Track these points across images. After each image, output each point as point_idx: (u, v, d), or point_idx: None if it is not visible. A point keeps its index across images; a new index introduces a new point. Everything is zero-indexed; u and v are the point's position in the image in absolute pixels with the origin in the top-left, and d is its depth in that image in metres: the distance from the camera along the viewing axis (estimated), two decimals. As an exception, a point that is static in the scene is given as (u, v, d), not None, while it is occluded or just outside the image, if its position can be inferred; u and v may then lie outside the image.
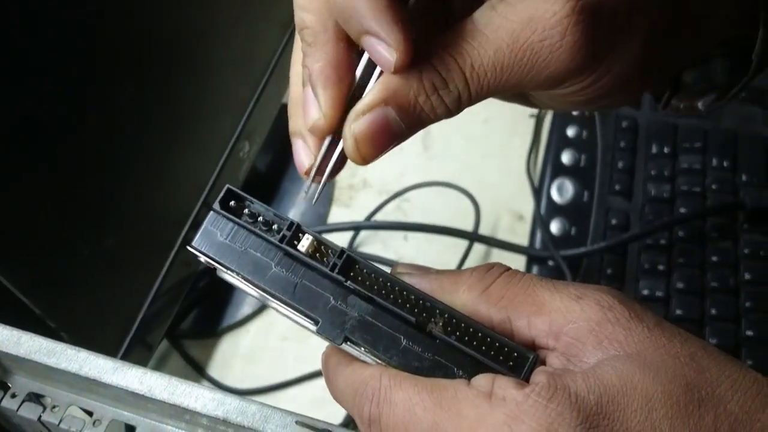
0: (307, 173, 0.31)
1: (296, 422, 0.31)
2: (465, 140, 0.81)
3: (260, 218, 0.30)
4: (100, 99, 0.52)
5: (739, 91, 0.37)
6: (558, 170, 0.75)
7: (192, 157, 0.63)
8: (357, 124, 0.29)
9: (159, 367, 0.69)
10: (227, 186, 0.30)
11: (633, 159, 0.74)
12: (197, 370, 0.69)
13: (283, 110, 0.79)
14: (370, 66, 0.30)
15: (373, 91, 0.29)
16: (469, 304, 0.29)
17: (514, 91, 0.30)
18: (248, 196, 0.31)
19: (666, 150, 0.74)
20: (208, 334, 0.71)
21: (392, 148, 0.30)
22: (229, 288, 0.73)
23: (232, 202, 0.31)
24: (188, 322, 0.72)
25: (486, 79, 0.29)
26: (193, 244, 0.31)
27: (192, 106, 0.62)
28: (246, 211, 0.30)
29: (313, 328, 0.30)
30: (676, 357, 0.26)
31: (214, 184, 0.63)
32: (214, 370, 0.69)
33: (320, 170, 0.31)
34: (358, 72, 0.30)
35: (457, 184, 0.76)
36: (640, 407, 0.25)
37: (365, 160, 0.30)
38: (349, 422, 0.62)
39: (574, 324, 0.27)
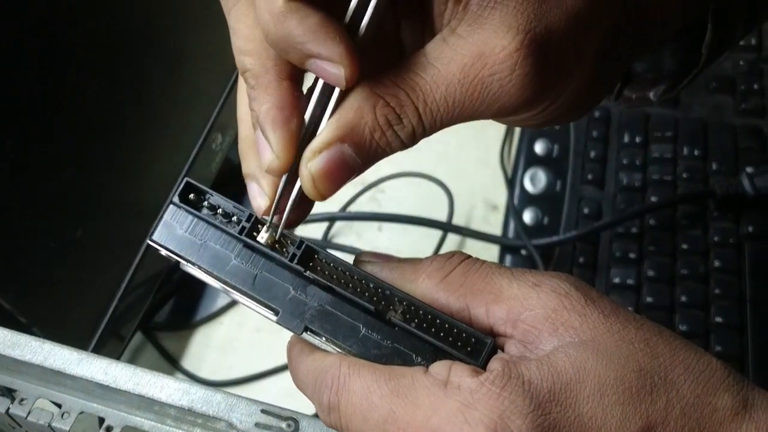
0: (266, 214, 0.31)
1: (261, 411, 0.31)
2: (439, 132, 0.81)
3: (220, 210, 0.30)
4: (70, 90, 0.52)
5: (689, 83, 0.37)
6: (531, 160, 0.75)
7: (164, 149, 0.63)
8: (313, 162, 0.29)
9: (133, 360, 0.69)
10: (186, 179, 0.30)
11: (605, 148, 0.75)
12: (171, 363, 0.68)
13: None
14: (321, 102, 0.29)
15: (327, 128, 0.29)
16: (428, 292, 0.30)
17: (468, 121, 0.31)
18: (207, 189, 0.31)
19: (638, 139, 0.75)
20: (182, 326, 0.71)
21: (349, 181, 0.30)
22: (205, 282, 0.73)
23: (191, 195, 0.31)
24: (162, 314, 0.72)
25: (438, 113, 0.29)
26: (153, 237, 0.31)
27: (163, 98, 0.62)
28: (206, 203, 0.30)
29: (274, 318, 0.30)
30: (631, 343, 0.27)
31: (186, 176, 0.63)
32: (188, 362, 0.69)
33: (279, 210, 0.31)
34: (310, 108, 0.30)
35: (431, 175, 0.76)
36: (592, 393, 0.26)
37: (323, 196, 0.30)
38: (323, 412, 0.62)
39: (530, 311, 0.28)
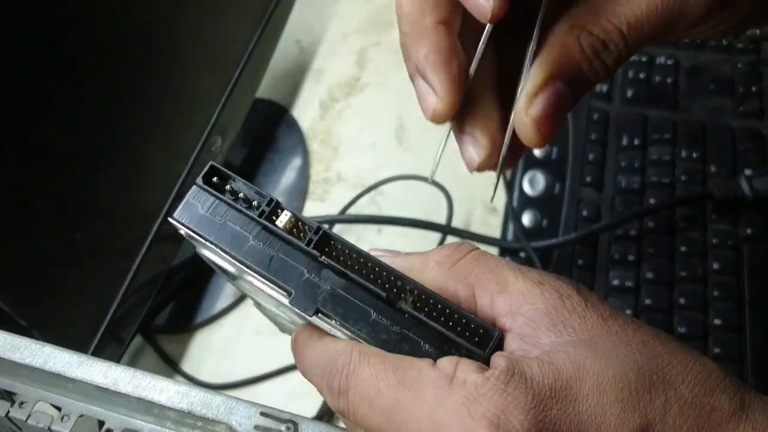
0: (481, 169, 0.33)
1: (261, 413, 0.31)
2: (439, 134, 0.81)
3: (242, 195, 0.31)
4: (69, 92, 0.52)
5: None
6: (530, 163, 0.75)
7: (163, 152, 0.63)
8: (533, 107, 0.30)
9: (133, 363, 0.69)
10: (211, 162, 0.31)
11: (604, 151, 0.75)
12: (171, 366, 0.69)
13: (257, 104, 0.79)
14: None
15: (536, 70, 0.30)
16: (436, 279, 0.30)
17: (662, 38, 0.32)
18: (231, 174, 0.31)
19: (636, 142, 0.75)
20: (182, 329, 0.71)
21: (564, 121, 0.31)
22: (204, 283, 0.73)
23: (215, 178, 0.31)
24: (162, 317, 0.72)
25: (642, 31, 0.30)
26: (174, 215, 0.31)
27: (163, 101, 0.62)
28: (228, 187, 0.31)
29: (286, 300, 0.30)
30: (629, 343, 0.27)
31: (186, 179, 0.63)
32: (188, 365, 0.69)
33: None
34: (476, 58, 0.31)
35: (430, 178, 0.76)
36: (591, 391, 0.26)
37: (545, 139, 0.31)
38: (322, 415, 0.62)
39: (532, 306, 0.28)
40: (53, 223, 0.52)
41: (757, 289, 0.65)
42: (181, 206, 0.31)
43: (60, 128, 0.51)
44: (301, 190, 0.79)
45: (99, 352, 0.55)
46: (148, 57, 0.59)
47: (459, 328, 0.29)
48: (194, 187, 0.31)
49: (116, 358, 0.60)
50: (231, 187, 0.31)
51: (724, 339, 0.63)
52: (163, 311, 0.72)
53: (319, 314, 0.30)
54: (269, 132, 0.84)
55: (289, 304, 0.30)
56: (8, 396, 0.38)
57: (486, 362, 0.28)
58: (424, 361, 0.28)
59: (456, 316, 0.29)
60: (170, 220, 0.32)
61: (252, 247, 0.31)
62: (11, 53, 0.47)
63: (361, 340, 0.30)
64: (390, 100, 0.85)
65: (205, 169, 0.31)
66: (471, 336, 0.29)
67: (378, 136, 0.82)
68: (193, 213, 0.31)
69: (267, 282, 0.31)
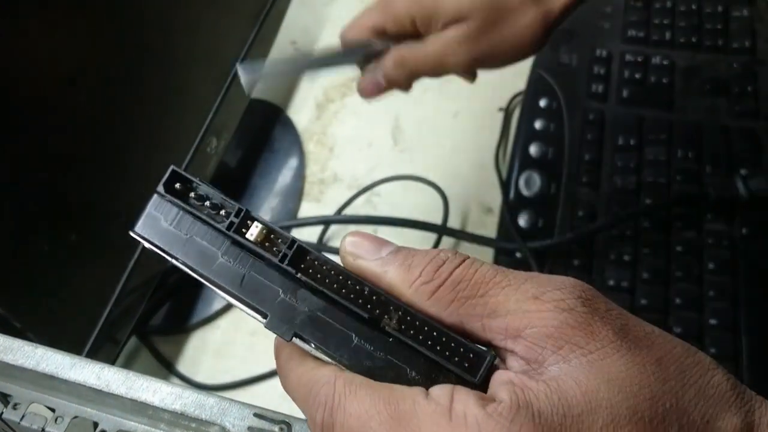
0: None
1: (254, 414, 0.31)
2: (435, 134, 0.81)
3: (207, 202, 0.28)
4: (64, 93, 0.52)
5: None
6: (526, 163, 0.75)
7: (157, 152, 0.63)
8: None
9: (128, 364, 0.69)
10: (171, 167, 0.28)
11: (599, 151, 0.75)
12: (167, 367, 0.68)
13: (252, 105, 0.79)
14: None
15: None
16: (419, 308, 0.28)
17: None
18: (194, 178, 0.28)
19: (632, 142, 0.75)
20: (178, 330, 0.71)
21: None
22: (199, 284, 0.73)
23: (177, 185, 0.28)
24: (158, 318, 0.72)
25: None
26: (136, 229, 0.29)
27: (157, 101, 0.62)
28: (193, 194, 0.28)
29: (263, 321, 0.28)
30: (642, 365, 0.25)
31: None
32: (184, 366, 0.69)
33: None
34: None
35: (426, 178, 0.77)
36: (605, 425, 0.24)
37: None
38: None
39: (531, 328, 0.26)
40: (48, 224, 0.52)
41: (752, 288, 0.65)
42: (142, 219, 0.28)
43: (54, 130, 0.51)
44: (296, 190, 0.79)
45: (94, 354, 0.55)
46: (143, 58, 0.59)
47: (447, 352, 0.27)
48: (155, 196, 0.28)
49: (111, 360, 0.60)
50: (196, 192, 0.28)
51: (719, 338, 0.63)
52: (158, 312, 0.72)
53: (297, 338, 0.28)
54: (265, 133, 0.84)
55: (265, 327, 0.28)
56: (2, 397, 0.38)
57: (478, 388, 0.26)
58: (416, 390, 0.26)
59: (444, 338, 0.27)
60: (131, 234, 0.29)
61: (221, 265, 0.28)
62: (5, 54, 0.47)
63: (343, 367, 0.27)
64: (386, 100, 0.85)
65: (166, 174, 0.28)
66: (461, 360, 0.27)
67: (374, 136, 0.82)
68: (156, 226, 0.28)
69: (240, 303, 0.29)
